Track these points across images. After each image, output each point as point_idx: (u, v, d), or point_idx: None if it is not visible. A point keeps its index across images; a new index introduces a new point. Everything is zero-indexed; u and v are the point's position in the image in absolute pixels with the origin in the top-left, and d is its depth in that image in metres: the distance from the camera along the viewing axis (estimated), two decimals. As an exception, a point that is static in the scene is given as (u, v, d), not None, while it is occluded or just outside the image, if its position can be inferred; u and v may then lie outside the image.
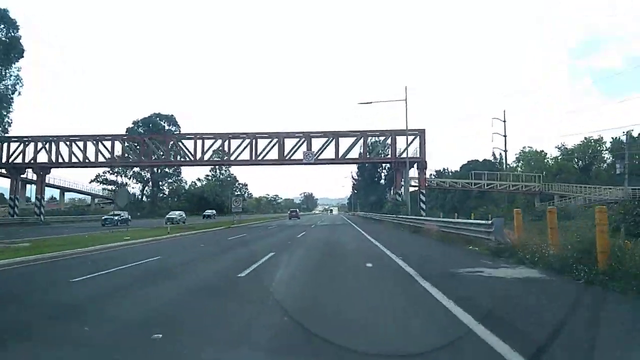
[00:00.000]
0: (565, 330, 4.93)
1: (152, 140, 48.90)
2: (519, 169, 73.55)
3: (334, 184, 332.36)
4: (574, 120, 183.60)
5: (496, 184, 63.31)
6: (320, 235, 25.96)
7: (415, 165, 45.46)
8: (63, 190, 64.64)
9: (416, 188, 48.06)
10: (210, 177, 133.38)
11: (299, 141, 44.68)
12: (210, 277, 10.00)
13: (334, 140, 44.43)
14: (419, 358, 4.32)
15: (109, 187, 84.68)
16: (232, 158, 45.25)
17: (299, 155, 44.32)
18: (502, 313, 5.89)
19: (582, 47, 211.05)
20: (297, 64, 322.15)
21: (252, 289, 8.24)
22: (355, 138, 44.86)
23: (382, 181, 57.54)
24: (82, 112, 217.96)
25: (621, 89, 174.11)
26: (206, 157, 45.26)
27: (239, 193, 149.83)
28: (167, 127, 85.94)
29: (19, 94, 44.82)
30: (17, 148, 44.98)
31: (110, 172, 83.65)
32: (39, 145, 45.00)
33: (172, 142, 48.03)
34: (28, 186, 63.37)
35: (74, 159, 45.19)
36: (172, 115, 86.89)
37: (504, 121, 66.45)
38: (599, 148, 68.32)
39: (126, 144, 47.08)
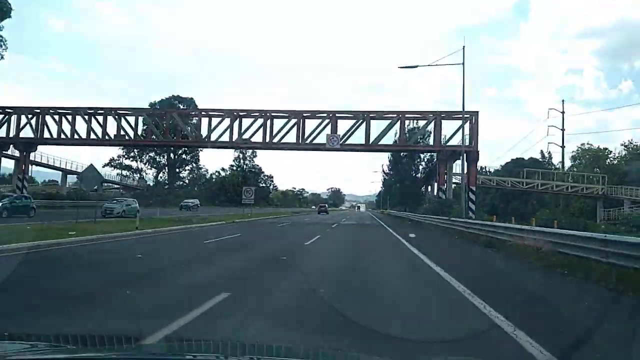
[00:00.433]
0: None
1: (179, 116, 41.63)
2: (574, 169, 63.32)
3: (361, 180, 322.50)
4: None
5: (552, 185, 53.57)
6: (339, 244, 17.71)
7: (464, 157, 36.52)
8: (66, 172, 58.10)
9: (457, 185, 39.32)
10: (234, 167, 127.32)
11: (322, 122, 36.37)
12: None
13: (364, 122, 35.94)
14: None
15: (124, 172, 78.53)
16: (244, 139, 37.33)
17: (321, 139, 36.04)
18: None
19: None
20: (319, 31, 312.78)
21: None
22: (390, 121, 36.23)
23: (419, 175, 48.25)
24: (84, 90, 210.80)
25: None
26: (222, 138, 37.47)
27: (263, 185, 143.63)
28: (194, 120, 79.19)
29: (1, 57, 38.24)
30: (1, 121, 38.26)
31: (126, 156, 77.49)
32: (28, 119, 38.14)
33: (195, 119, 40.59)
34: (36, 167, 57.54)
35: (73, 135, 38.00)
36: (192, 99, 79.81)
37: (563, 112, 56.58)
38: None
39: (142, 121, 39.43)
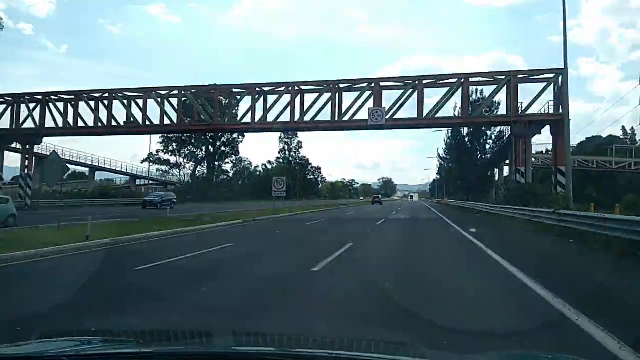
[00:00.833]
0: None
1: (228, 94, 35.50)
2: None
3: (414, 169, 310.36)
4: None
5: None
6: (374, 268, 10.03)
7: (548, 129, 27.88)
8: (93, 169, 53.91)
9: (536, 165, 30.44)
10: (281, 160, 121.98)
11: (361, 94, 28.84)
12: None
13: (415, 92, 28.06)
14: None
15: (163, 167, 74.10)
16: (270, 119, 30.35)
17: (363, 115, 28.52)
18: None
19: None
20: None
21: None
22: (449, 88, 28.07)
23: (486, 156, 39.06)
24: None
25: None
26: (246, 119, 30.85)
27: (311, 177, 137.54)
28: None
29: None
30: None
31: (164, 150, 73.08)
32: (33, 108, 33.16)
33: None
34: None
35: (88, 123, 32.61)
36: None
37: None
38: None
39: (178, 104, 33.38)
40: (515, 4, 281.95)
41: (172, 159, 73.76)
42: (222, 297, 6.44)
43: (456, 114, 29.14)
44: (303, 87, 30.31)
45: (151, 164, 72.52)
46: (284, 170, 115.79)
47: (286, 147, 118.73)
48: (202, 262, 9.93)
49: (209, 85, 33.75)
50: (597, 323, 4.50)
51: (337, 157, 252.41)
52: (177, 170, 74.37)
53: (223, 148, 74.88)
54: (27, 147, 34.04)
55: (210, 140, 73.13)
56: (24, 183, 33.54)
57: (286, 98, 29.85)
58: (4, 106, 33.73)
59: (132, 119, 32.27)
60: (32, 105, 32.92)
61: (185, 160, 72.77)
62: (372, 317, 5.20)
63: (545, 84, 27.46)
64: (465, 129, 36.92)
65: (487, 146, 38.39)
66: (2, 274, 8.36)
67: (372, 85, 28.93)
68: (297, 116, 29.59)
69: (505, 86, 27.71)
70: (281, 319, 5.06)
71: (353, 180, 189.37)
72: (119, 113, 33.15)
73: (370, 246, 13.01)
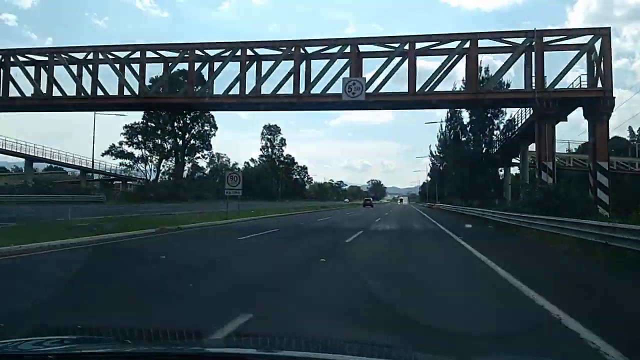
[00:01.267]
0: None
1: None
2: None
3: (403, 172, 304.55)
4: None
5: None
6: None
7: (582, 110, 20.55)
8: (30, 160, 45.38)
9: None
10: (264, 157, 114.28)
11: (332, 62, 21.32)
12: None
13: (405, 60, 20.62)
14: None
15: (126, 161, 65.50)
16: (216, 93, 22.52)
17: (337, 88, 20.99)
18: None
19: None
20: None
21: None
22: (448, 56, 20.65)
23: (493, 150, 30.78)
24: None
25: None
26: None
27: (297, 177, 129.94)
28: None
29: None
30: None
31: (128, 142, 64.66)
32: None
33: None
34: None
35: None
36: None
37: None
38: None
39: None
40: (502, 9, 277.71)
41: (137, 152, 65.37)
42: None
43: (460, 87, 21.50)
44: (259, 51, 22.71)
45: (113, 157, 64.45)
46: (266, 169, 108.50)
47: (269, 144, 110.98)
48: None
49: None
50: None
51: (326, 158, 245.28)
52: (143, 165, 66.03)
53: (193, 141, 66.68)
54: None
55: (179, 133, 65.12)
56: None
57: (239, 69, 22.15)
58: None
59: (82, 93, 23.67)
60: None
61: (150, 154, 64.37)
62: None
63: (577, 52, 20.18)
64: (466, 117, 29.62)
65: (494, 137, 30.35)
66: None
67: (349, 50, 21.34)
68: (249, 88, 21.93)
69: (524, 54, 20.36)
70: None
71: (341, 182, 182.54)
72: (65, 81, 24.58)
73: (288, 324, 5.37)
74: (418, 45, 20.99)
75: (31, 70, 24.01)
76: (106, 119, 61.87)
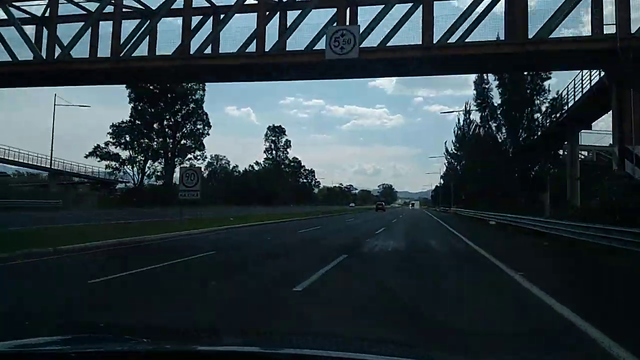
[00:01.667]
0: None
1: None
2: None
3: (415, 176, 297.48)
4: None
5: None
6: None
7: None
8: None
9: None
10: (270, 160, 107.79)
11: (305, 15, 14.57)
12: None
13: (419, 6, 13.82)
14: None
15: (112, 162, 58.97)
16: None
17: (321, 45, 14.24)
18: None
19: None
20: None
21: None
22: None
23: (535, 137, 21.96)
24: None
25: None
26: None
27: (304, 181, 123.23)
28: (185, 84, 59.14)
29: None
30: None
31: (114, 141, 58.18)
32: None
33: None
34: None
35: None
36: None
37: None
38: None
39: None
40: None
41: (124, 154, 58.93)
42: None
43: (496, 38, 14.21)
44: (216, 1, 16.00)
45: (98, 159, 58.20)
46: (270, 172, 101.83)
47: (273, 146, 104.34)
48: None
49: None
50: None
51: (338, 162, 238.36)
52: (130, 167, 59.69)
53: (184, 141, 60.10)
54: None
55: (168, 132, 58.77)
56: None
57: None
58: None
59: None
60: None
61: (135, 155, 57.95)
62: None
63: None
64: (498, 95, 22.04)
65: (537, 118, 22.11)
66: None
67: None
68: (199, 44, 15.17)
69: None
70: None
71: (351, 186, 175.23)
72: None
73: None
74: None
75: None
76: (88, 114, 55.87)
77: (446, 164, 50.17)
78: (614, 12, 12.95)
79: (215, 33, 15.60)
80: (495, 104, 22.19)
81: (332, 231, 20.59)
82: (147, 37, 15.68)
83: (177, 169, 61.28)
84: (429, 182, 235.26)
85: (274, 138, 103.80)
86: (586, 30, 14.40)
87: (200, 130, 60.25)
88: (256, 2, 15.50)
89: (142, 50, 15.37)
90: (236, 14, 15.44)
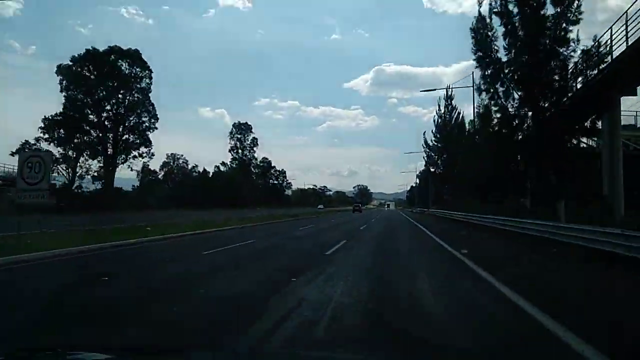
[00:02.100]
0: None
1: None
2: None
3: (390, 177, 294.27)
4: None
5: None
6: None
7: None
8: None
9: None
10: (237, 160, 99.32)
11: None
12: None
13: None
14: None
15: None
16: None
17: None
18: None
19: None
20: None
21: None
22: None
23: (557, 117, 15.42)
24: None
25: None
26: None
27: (275, 182, 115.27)
28: (128, 70, 50.72)
29: None
30: None
31: (46, 137, 49.36)
32: None
33: None
34: None
35: None
36: (137, 51, 51.58)
37: None
38: None
39: None
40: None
41: (57, 151, 50.00)
42: None
43: None
44: None
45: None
46: (237, 173, 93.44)
47: (238, 144, 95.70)
48: None
49: None
50: None
51: (313, 164, 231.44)
52: (64, 166, 50.72)
53: (126, 136, 51.36)
54: None
55: (107, 125, 49.99)
56: None
57: None
58: None
59: None
60: None
61: (65, 151, 49.06)
62: None
63: None
64: (503, 50, 14.29)
65: (556, 85, 14.30)
66: None
67: None
68: None
69: None
70: None
71: (325, 187, 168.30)
72: None
73: None
74: None
75: None
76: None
77: (425, 158, 43.35)
78: None
79: None
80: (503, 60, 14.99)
81: (275, 244, 12.89)
82: None
83: (118, 169, 53.15)
84: (403, 182, 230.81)
85: (239, 136, 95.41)
86: None
87: (145, 123, 51.75)
88: None
89: None
90: None
